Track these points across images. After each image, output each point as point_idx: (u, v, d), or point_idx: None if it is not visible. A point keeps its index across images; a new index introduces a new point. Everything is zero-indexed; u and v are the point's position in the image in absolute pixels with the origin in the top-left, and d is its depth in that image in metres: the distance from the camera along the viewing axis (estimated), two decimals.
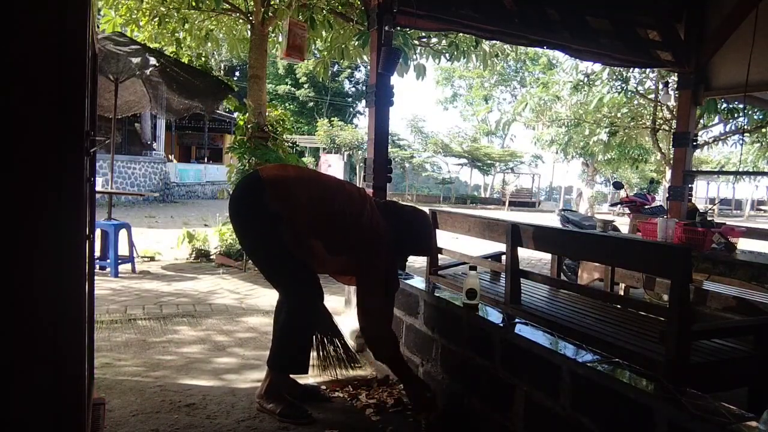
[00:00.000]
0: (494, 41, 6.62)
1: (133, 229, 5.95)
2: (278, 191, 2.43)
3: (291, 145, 7.05)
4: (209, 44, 7.29)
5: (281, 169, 2.74)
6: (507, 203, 27.34)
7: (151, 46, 6.38)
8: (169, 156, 21.81)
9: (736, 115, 9.42)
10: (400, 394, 2.73)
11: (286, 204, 2.41)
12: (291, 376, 2.67)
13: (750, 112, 9.16)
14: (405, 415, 2.56)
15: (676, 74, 6.19)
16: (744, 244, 3.99)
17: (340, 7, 6.17)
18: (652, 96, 10.67)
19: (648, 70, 9.91)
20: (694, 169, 5.88)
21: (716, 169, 21.37)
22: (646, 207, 6.40)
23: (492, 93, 34.36)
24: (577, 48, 4.65)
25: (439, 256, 3.67)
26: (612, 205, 14.78)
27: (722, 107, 8.56)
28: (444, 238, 4.00)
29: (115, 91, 5.72)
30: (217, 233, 6.74)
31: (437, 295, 2.66)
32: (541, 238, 2.87)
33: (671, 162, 6.22)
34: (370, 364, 3.20)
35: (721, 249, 3.57)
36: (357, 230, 2.49)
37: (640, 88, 10.88)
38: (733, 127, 10.65)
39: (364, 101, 31.79)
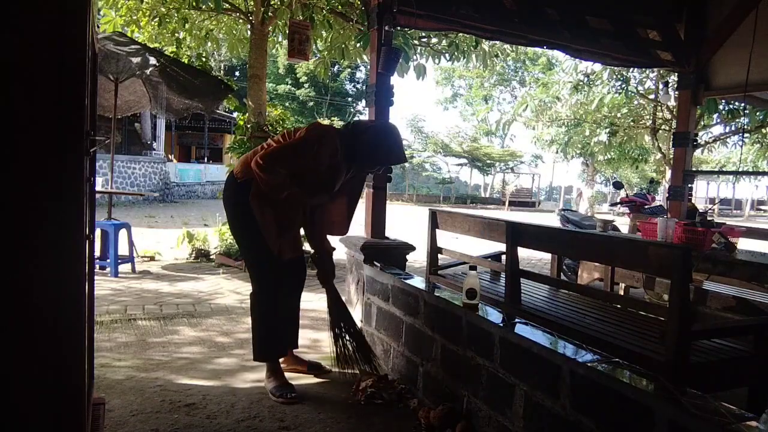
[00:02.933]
0: (494, 41, 6.62)
1: (133, 229, 5.96)
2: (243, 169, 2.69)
3: None
4: (209, 44, 7.29)
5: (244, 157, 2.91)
6: (507, 203, 27.36)
7: (152, 46, 6.38)
8: (169, 156, 21.83)
9: (736, 117, 9.41)
10: (401, 391, 2.73)
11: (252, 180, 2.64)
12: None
13: (753, 112, 9.15)
14: (405, 412, 2.56)
15: (676, 74, 6.19)
16: (744, 244, 3.98)
17: (340, 7, 6.17)
18: (652, 96, 10.67)
19: (648, 70, 9.91)
20: (694, 169, 5.88)
21: (716, 169, 21.36)
22: (646, 207, 6.40)
23: (492, 93, 34.36)
24: (577, 48, 4.65)
25: (439, 256, 3.67)
26: (612, 205, 14.76)
27: (722, 108, 8.57)
28: (444, 238, 4.00)
29: (115, 91, 5.72)
30: (217, 233, 6.74)
31: (437, 295, 2.66)
32: (541, 238, 2.87)
33: (671, 162, 6.22)
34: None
35: (721, 249, 3.57)
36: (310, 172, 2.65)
37: (640, 88, 10.88)
38: (733, 128, 10.65)
39: (364, 101, 31.78)
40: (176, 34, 6.88)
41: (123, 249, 5.83)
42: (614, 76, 10.39)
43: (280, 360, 3.03)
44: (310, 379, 2.98)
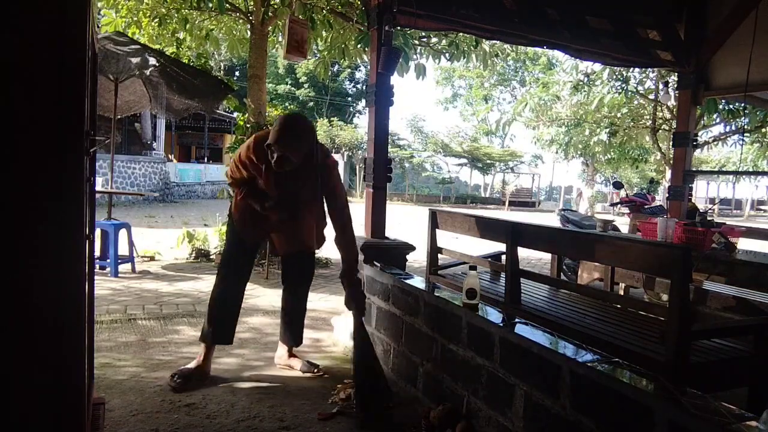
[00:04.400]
0: (494, 41, 6.62)
1: (133, 229, 5.95)
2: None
3: None
4: (209, 44, 7.30)
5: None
6: (507, 203, 27.36)
7: (152, 46, 6.38)
8: (169, 156, 21.82)
9: (736, 117, 9.41)
10: (401, 395, 2.73)
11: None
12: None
13: (754, 112, 9.15)
14: (406, 411, 2.56)
15: (676, 74, 6.19)
16: (744, 244, 3.98)
17: (340, 7, 6.17)
18: (652, 96, 10.67)
19: (648, 70, 9.90)
20: (694, 169, 5.88)
21: (716, 169, 21.38)
22: (646, 207, 6.40)
23: (492, 93, 34.35)
24: (577, 48, 4.65)
25: (439, 256, 3.67)
26: (611, 205, 14.76)
27: (722, 108, 8.57)
28: (444, 238, 4.00)
29: (115, 91, 5.72)
30: (217, 233, 6.74)
31: (437, 295, 2.66)
32: (541, 238, 2.87)
33: (671, 162, 6.22)
34: None
35: (721, 249, 3.57)
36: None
37: (640, 88, 10.88)
38: (733, 127, 10.65)
39: (364, 101, 31.80)
40: (176, 35, 6.88)
41: (123, 249, 5.83)
42: (614, 76, 10.38)
43: (282, 354, 3.06)
44: (311, 379, 2.98)
